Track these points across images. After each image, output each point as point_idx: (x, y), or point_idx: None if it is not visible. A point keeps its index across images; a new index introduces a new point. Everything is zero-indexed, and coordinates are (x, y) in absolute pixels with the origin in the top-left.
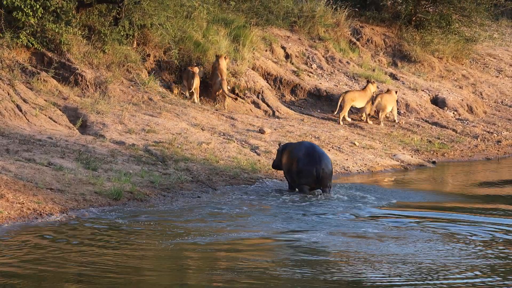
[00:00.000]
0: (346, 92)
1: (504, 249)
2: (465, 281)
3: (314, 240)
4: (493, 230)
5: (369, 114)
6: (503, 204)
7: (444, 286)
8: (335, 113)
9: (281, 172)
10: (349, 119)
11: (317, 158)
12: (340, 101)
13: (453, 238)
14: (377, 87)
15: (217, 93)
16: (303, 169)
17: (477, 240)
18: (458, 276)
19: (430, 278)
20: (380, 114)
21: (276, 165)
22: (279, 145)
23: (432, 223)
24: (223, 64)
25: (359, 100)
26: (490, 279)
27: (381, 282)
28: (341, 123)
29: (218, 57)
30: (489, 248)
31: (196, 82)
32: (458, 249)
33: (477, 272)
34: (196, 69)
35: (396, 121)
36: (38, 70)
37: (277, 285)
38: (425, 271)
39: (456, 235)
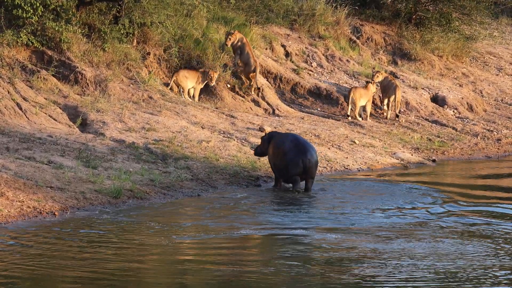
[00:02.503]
0: (355, 88)
1: None
2: None
3: (320, 237)
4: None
5: (370, 113)
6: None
7: None
8: (348, 112)
9: None
10: (350, 118)
11: (303, 149)
12: (350, 97)
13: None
14: (377, 86)
15: (251, 75)
16: (291, 160)
17: None
18: None
19: None
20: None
21: (261, 152)
22: (260, 130)
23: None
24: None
25: (364, 98)
26: None
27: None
28: (359, 119)
29: (242, 36)
30: None
31: (175, 78)
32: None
33: None
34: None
35: (368, 119)
36: (38, 69)
37: (280, 282)
38: None
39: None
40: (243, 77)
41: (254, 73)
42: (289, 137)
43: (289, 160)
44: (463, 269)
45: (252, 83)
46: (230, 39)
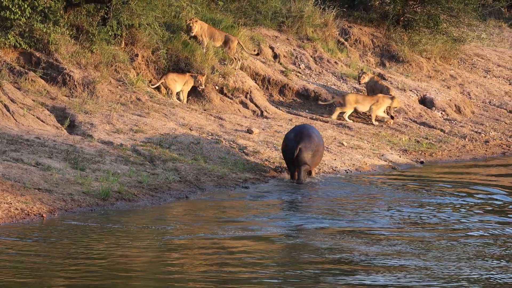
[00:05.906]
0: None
1: None
2: None
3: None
4: None
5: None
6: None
7: None
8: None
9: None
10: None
11: (299, 137)
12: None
13: None
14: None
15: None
16: (285, 146)
17: None
18: None
19: None
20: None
21: None
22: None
23: None
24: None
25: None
26: None
27: None
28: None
29: (202, 21)
30: None
31: (164, 80)
32: None
33: None
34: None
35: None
36: (26, 70)
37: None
38: None
39: None
40: (230, 56)
41: (237, 43)
42: (297, 126)
43: (283, 146)
44: None
45: (235, 56)
46: (195, 27)
